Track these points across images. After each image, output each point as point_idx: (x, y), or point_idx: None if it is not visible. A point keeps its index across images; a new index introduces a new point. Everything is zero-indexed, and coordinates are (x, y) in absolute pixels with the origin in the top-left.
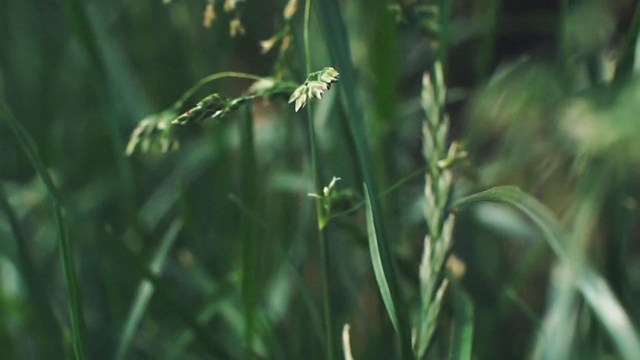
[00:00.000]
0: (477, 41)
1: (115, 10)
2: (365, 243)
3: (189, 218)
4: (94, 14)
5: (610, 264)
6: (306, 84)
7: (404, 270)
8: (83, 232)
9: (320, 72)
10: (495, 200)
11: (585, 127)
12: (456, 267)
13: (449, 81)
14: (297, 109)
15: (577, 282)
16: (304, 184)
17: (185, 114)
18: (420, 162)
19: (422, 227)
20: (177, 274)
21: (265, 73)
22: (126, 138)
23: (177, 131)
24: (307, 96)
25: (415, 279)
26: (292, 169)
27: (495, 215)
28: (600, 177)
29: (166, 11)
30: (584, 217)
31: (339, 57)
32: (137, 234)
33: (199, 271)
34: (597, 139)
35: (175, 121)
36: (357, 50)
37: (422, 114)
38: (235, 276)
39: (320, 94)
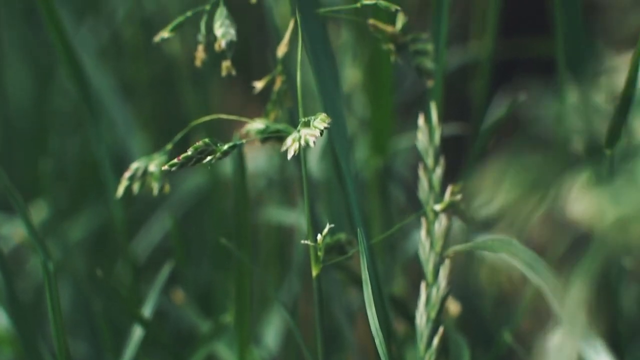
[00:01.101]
0: (473, 66)
1: (107, 33)
2: (359, 282)
3: (182, 253)
4: (84, 38)
5: (609, 328)
6: (298, 131)
7: (398, 310)
8: (73, 264)
9: (313, 117)
10: (492, 251)
11: (584, 205)
12: (453, 307)
13: (445, 109)
14: (289, 157)
15: (577, 344)
16: (297, 218)
17: (175, 160)
18: (414, 195)
19: (417, 260)
20: (169, 309)
21: (258, 97)
22: (117, 167)
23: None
24: (300, 144)
25: (410, 317)
26: (286, 199)
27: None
28: (599, 256)
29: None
30: (582, 282)
31: (331, 104)
32: (127, 266)
33: (191, 309)
34: (596, 218)
35: (166, 167)
36: (351, 77)
37: (416, 146)
38: (229, 316)
39: (313, 142)
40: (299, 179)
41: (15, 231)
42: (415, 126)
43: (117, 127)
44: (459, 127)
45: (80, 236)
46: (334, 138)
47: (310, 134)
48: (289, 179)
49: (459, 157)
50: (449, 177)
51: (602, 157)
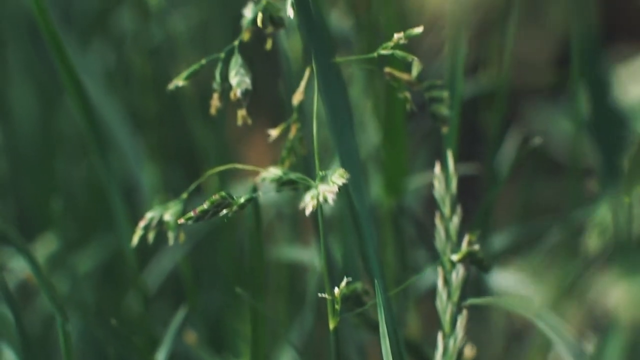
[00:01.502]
0: (482, 96)
1: (114, 58)
2: (374, 326)
3: (194, 291)
4: (91, 63)
5: None
6: (316, 187)
7: (414, 355)
8: (81, 297)
9: (330, 172)
10: (512, 309)
11: (618, 295)
12: (467, 350)
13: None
14: (307, 213)
15: None
16: (310, 256)
17: (191, 214)
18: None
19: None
20: (180, 349)
21: (271, 124)
22: (126, 196)
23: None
24: (318, 201)
25: (424, 358)
26: (296, 233)
27: (503, 280)
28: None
29: (168, 70)
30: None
31: (347, 157)
32: (138, 297)
33: (204, 351)
34: (630, 308)
35: (182, 221)
36: (364, 115)
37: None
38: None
39: (332, 199)
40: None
41: (24, 271)
42: (425, 161)
43: (125, 156)
44: (473, 168)
45: (89, 268)
46: (352, 192)
47: (329, 190)
48: (299, 212)
49: (468, 191)
50: (462, 213)
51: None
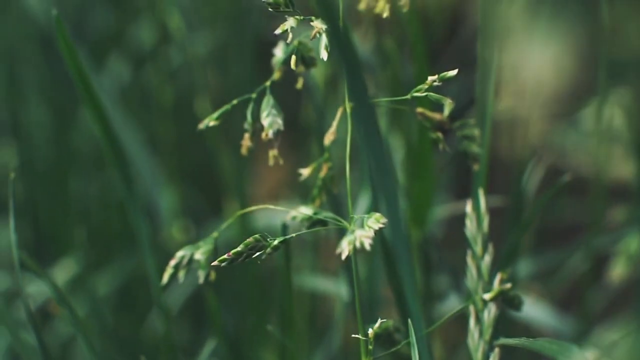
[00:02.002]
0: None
1: (130, 78)
2: None
3: (219, 322)
4: (107, 81)
5: None
6: (352, 232)
7: None
8: (100, 320)
9: (366, 216)
10: (548, 353)
11: None
12: None
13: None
14: (343, 258)
15: None
16: (333, 286)
17: (225, 256)
18: (449, 260)
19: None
20: None
21: (283, 143)
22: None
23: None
24: (355, 246)
25: None
26: (318, 261)
27: (525, 307)
28: None
29: (186, 92)
30: None
31: (386, 197)
32: (161, 318)
33: None
34: None
35: (216, 263)
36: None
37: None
38: None
39: (369, 244)
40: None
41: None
42: (448, 191)
43: (143, 178)
44: (500, 200)
45: (108, 290)
46: (392, 234)
47: (365, 235)
48: (320, 239)
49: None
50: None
51: None
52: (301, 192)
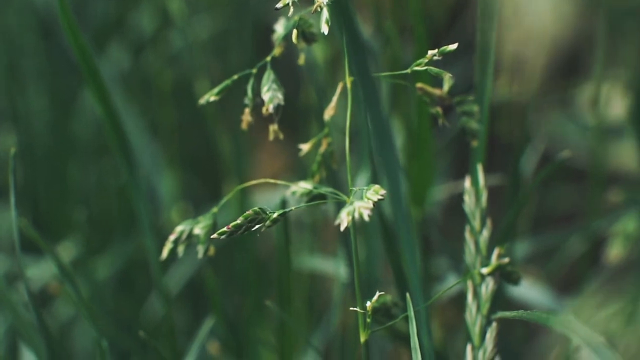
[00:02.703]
0: (501, 106)
1: (131, 64)
2: (402, 338)
3: (218, 303)
4: (108, 67)
5: None
6: (352, 203)
7: None
8: (101, 303)
9: (365, 188)
10: (545, 323)
11: None
12: None
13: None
14: (342, 228)
15: None
16: (331, 266)
17: (225, 229)
18: (448, 241)
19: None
20: (204, 358)
21: (283, 127)
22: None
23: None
24: (354, 217)
25: None
26: (316, 242)
27: (523, 288)
28: None
29: (186, 76)
30: None
31: (389, 171)
32: (162, 301)
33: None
34: None
35: (215, 236)
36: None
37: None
38: None
39: (368, 215)
40: (338, 234)
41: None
42: (446, 169)
43: (143, 163)
44: (498, 179)
45: (108, 272)
46: (393, 207)
47: (364, 206)
48: (319, 220)
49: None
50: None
51: None
52: (302, 175)
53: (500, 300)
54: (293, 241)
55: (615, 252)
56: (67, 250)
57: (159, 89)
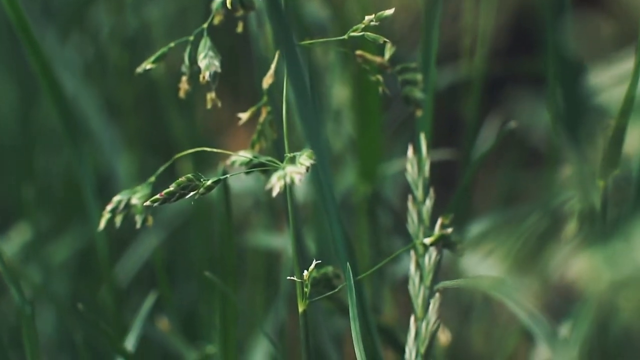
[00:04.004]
0: (463, 85)
1: (92, 51)
2: (346, 311)
3: (165, 280)
4: (69, 55)
5: None
6: (284, 168)
7: (388, 340)
8: (55, 288)
9: (298, 154)
10: (483, 289)
11: (580, 267)
12: (443, 336)
13: (434, 129)
14: (274, 194)
15: None
16: (285, 243)
17: (158, 196)
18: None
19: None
20: (154, 336)
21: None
22: (104, 187)
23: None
24: (285, 182)
25: (400, 347)
26: (273, 221)
27: (479, 266)
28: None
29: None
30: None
31: (312, 139)
32: (110, 291)
33: (177, 336)
34: (592, 280)
35: (148, 203)
36: (340, 98)
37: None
38: (214, 347)
39: (299, 179)
40: (284, 208)
41: None
42: (403, 150)
43: (103, 147)
44: (449, 153)
45: (64, 257)
46: (318, 174)
47: (296, 171)
48: (276, 200)
49: (447, 179)
50: (439, 201)
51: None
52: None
53: (452, 275)
54: (251, 223)
55: (571, 228)
56: (21, 232)
57: (116, 72)
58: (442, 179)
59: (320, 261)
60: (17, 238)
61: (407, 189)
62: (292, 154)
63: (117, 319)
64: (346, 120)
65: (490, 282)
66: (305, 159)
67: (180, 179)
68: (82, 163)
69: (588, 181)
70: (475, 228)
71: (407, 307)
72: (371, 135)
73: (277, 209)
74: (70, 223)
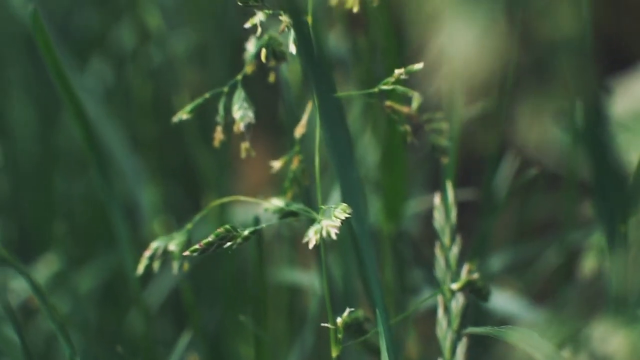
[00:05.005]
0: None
1: (113, 76)
2: (375, 352)
3: (196, 315)
4: (89, 81)
5: None
6: (319, 222)
7: None
8: (83, 316)
9: (333, 206)
10: (511, 341)
11: (617, 344)
12: None
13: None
14: (310, 247)
15: None
16: (310, 280)
17: (197, 246)
18: (424, 258)
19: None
20: None
21: (268, 144)
22: (126, 216)
23: (178, 207)
24: (322, 235)
25: None
26: (295, 254)
27: (500, 302)
28: None
29: (167, 90)
30: None
31: (349, 189)
32: (140, 316)
33: None
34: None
35: (187, 253)
36: (365, 143)
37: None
38: None
39: (335, 233)
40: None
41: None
42: (423, 184)
43: (125, 176)
44: (470, 193)
45: (91, 286)
46: (354, 224)
47: (332, 225)
48: (298, 233)
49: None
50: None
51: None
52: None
53: (476, 311)
54: (273, 254)
55: (588, 265)
56: (49, 263)
57: (139, 103)
58: (460, 212)
59: (352, 309)
60: (45, 268)
61: (426, 220)
62: (327, 207)
63: (146, 350)
64: (369, 158)
65: (519, 334)
66: (340, 212)
67: (218, 231)
68: (110, 192)
69: (624, 264)
70: (495, 263)
71: (428, 339)
72: (396, 177)
73: (299, 242)
74: (94, 251)
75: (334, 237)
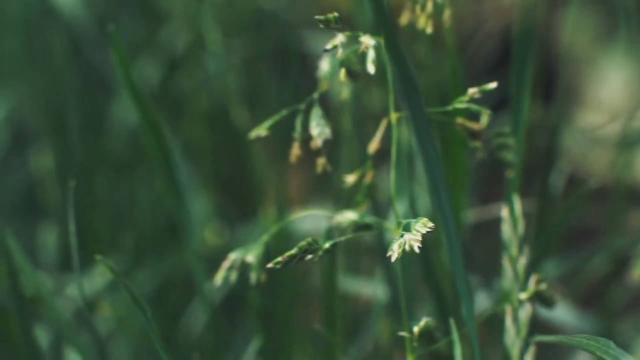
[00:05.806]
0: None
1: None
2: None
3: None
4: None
5: None
6: (402, 236)
7: None
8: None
9: (414, 221)
10: (584, 349)
11: None
12: None
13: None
14: (393, 260)
15: None
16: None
17: (280, 258)
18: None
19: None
20: None
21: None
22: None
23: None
24: (405, 249)
25: None
26: (350, 262)
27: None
28: None
29: (222, 104)
30: None
31: (441, 205)
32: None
33: None
34: None
35: (271, 265)
36: None
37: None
38: None
39: (418, 247)
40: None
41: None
42: (483, 194)
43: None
44: (527, 205)
45: (145, 289)
46: (446, 242)
47: (414, 239)
48: (352, 242)
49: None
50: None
51: None
52: (329, 196)
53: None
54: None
55: (638, 272)
56: (104, 270)
57: (192, 110)
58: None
59: (428, 319)
60: (101, 274)
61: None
62: (407, 221)
63: (214, 353)
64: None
65: (593, 342)
66: (421, 227)
67: (301, 244)
68: (179, 201)
69: None
70: (549, 270)
71: (483, 344)
72: (457, 189)
73: (353, 248)
74: (144, 254)
75: (417, 250)
